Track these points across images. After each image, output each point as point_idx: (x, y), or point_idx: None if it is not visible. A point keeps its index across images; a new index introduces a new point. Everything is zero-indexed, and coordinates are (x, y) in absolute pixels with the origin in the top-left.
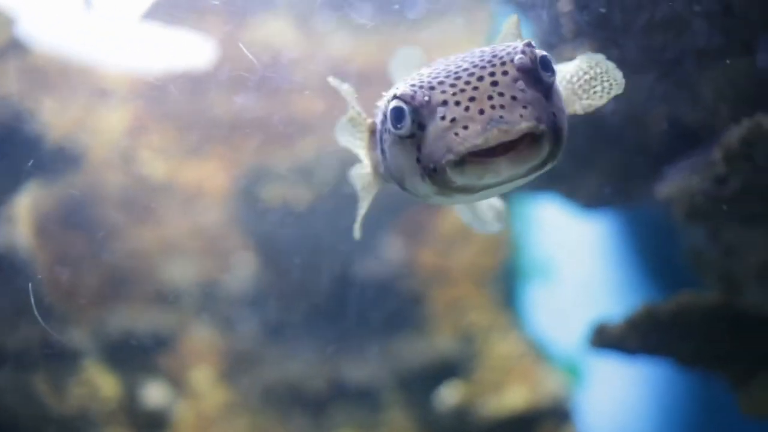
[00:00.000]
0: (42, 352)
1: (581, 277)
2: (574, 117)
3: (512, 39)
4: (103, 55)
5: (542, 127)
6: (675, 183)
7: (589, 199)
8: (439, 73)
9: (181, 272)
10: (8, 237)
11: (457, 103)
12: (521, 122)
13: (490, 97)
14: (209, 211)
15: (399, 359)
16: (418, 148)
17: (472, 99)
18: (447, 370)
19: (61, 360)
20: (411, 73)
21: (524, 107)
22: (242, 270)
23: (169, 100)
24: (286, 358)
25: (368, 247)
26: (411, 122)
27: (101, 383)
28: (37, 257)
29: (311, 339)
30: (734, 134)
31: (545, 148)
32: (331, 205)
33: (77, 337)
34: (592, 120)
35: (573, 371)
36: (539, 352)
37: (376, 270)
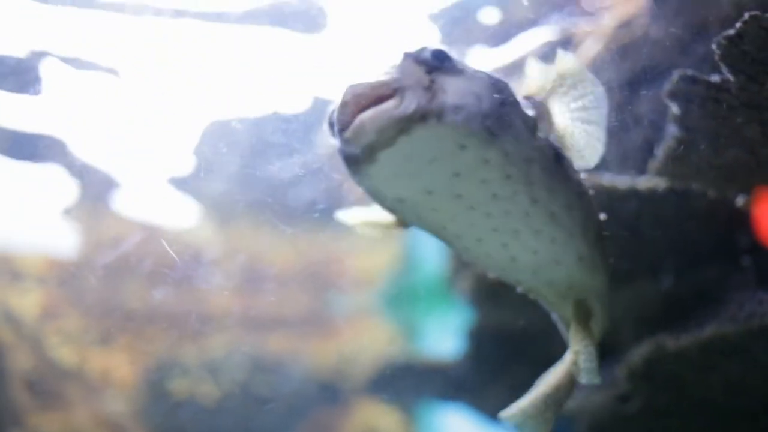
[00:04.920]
0: None
1: None
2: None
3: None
4: (21, 238)
5: (396, 83)
6: (577, 400)
7: (496, 410)
8: None
9: None
10: None
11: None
12: (373, 84)
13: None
14: (115, 401)
15: None
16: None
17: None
18: None
19: None
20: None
21: (386, 76)
22: None
23: (85, 287)
24: None
25: None
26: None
27: None
28: None
29: None
30: (637, 354)
31: (407, 101)
32: (240, 404)
33: None
34: (501, 335)
35: None
36: None
37: None
